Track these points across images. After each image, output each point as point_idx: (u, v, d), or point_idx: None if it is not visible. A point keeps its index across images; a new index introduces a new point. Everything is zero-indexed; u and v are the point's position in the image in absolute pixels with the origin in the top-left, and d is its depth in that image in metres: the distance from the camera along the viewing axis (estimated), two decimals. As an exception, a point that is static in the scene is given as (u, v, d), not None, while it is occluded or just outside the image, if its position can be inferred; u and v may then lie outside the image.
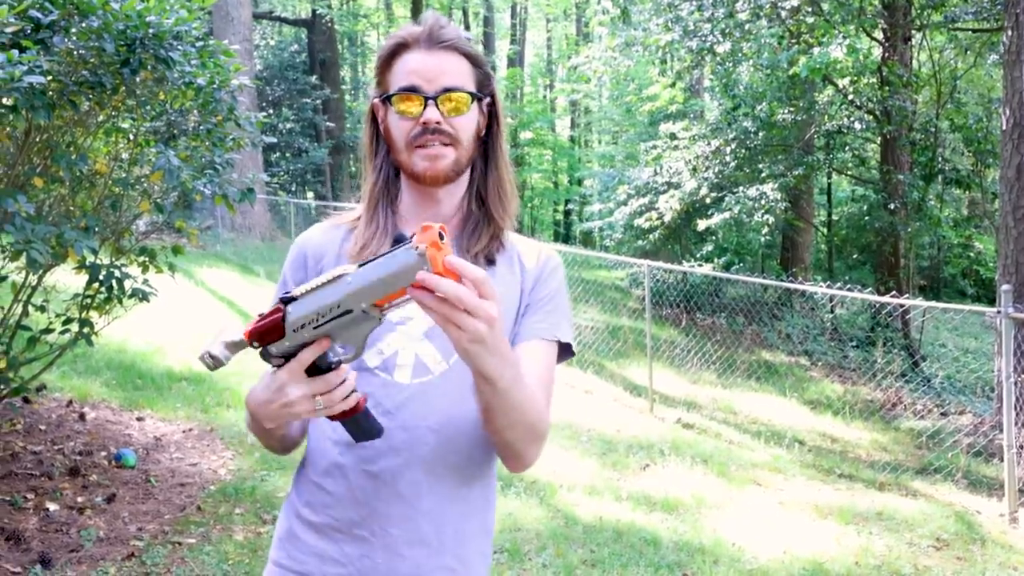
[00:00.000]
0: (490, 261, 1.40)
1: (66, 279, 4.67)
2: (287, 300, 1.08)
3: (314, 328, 1.06)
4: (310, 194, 22.61)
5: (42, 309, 4.31)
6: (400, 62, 1.34)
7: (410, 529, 1.32)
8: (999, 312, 5.38)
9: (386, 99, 1.35)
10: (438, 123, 1.31)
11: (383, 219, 1.38)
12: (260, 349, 1.11)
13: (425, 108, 1.31)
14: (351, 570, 1.32)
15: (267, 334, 1.09)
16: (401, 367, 1.32)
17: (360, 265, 1.02)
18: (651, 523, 4.63)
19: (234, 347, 1.12)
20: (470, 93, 1.34)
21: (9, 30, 3.09)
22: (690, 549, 4.28)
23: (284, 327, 1.08)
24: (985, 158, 11.06)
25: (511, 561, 3.94)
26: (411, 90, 1.31)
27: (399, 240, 1.00)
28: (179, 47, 3.74)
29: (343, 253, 1.38)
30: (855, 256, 13.96)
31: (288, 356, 1.10)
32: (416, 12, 21.23)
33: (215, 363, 1.12)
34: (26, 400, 4.99)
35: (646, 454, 5.94)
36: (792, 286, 8.11)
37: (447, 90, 1.31)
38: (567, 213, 30.89)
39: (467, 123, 1.35)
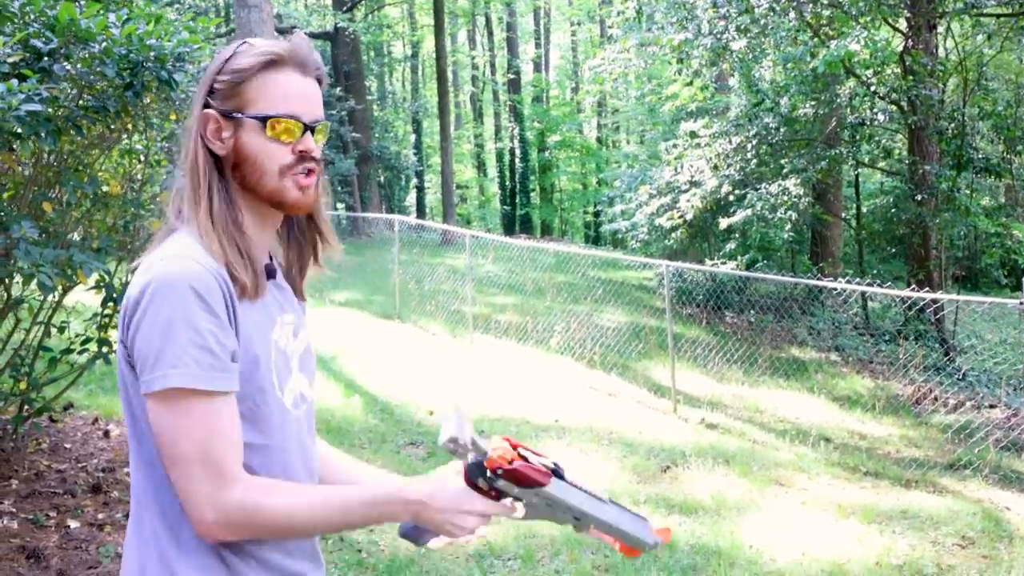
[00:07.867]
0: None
1: (86, 299, 4.76)
2: (557, 474, 1.22)
3: (547, 505, 1.22)
4: (340, 205, 22.80)
5: (62, 330, 4.40)
6: (272, 81, 1.28)
7: None
8: (1023, 303, 5.28)
9: (255, 119, 1.27)
10: (313, 153, 1.31)
11: (242, 246, 1.28)
12: (489, 476, 1.20)
13: (303, 136, 1.29)
14: None
15: (520, 480, 1.19)
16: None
17: (614, 502, 1.28)
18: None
19: (476, 450, 1.20)
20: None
21: (11, 60, 3.17)
22: (706, 552, 4.25)
23: (535, 486, 1.20)
24: (1015, 144, 10.82)
25: (524, 567, 3.95)
26: (294, 117, 1.28)
27: None
28: (183, 68, 3.80)
29: (235, 294, 1.25)
30: (887, 248, 13.74)
31: (500, 496, 1.22)
32: (439, 21, 21.33)
33: (459, 451, 1.19)
34: (51, 419, 5.09)
35: (667, 456, 5.91)
36: (813, 283, 8.01)
37: (319, 120, 1.32)
38: (596, 215, 30.81)
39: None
